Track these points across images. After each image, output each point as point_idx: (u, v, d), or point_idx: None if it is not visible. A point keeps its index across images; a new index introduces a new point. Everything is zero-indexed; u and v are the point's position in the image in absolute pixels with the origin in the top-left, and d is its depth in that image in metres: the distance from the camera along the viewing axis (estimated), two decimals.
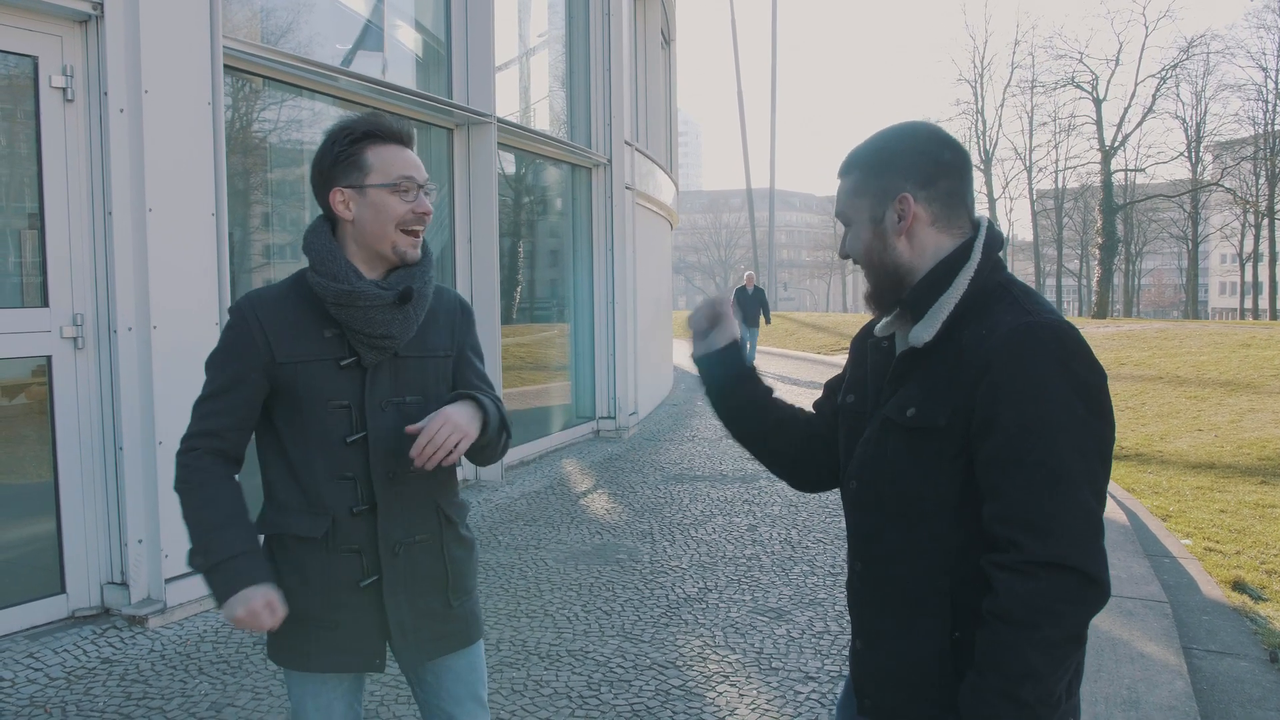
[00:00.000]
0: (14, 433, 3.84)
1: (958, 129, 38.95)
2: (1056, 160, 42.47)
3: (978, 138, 40.49)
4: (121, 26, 3.72)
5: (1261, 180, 36.04)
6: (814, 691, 3.30)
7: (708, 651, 3.65)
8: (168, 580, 3.86)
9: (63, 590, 3.80)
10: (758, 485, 6.66)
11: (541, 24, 8.92)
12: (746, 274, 15.80)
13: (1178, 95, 43.23)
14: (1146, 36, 62.31)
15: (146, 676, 3.37)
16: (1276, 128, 34.77)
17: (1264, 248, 37.74)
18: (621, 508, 6.04)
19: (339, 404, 1.69)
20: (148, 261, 3.78)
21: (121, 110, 3.74)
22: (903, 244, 1.39)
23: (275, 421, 1.72)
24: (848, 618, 1.53)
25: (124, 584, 3.86)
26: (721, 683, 3.37)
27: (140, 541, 3.84)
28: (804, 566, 4.76)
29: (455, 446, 1.63)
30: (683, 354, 18.45)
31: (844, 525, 1.53)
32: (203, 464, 1.68)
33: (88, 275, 3.81)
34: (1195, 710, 3.18)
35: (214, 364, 1.72)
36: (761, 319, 15.16)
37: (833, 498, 5.78)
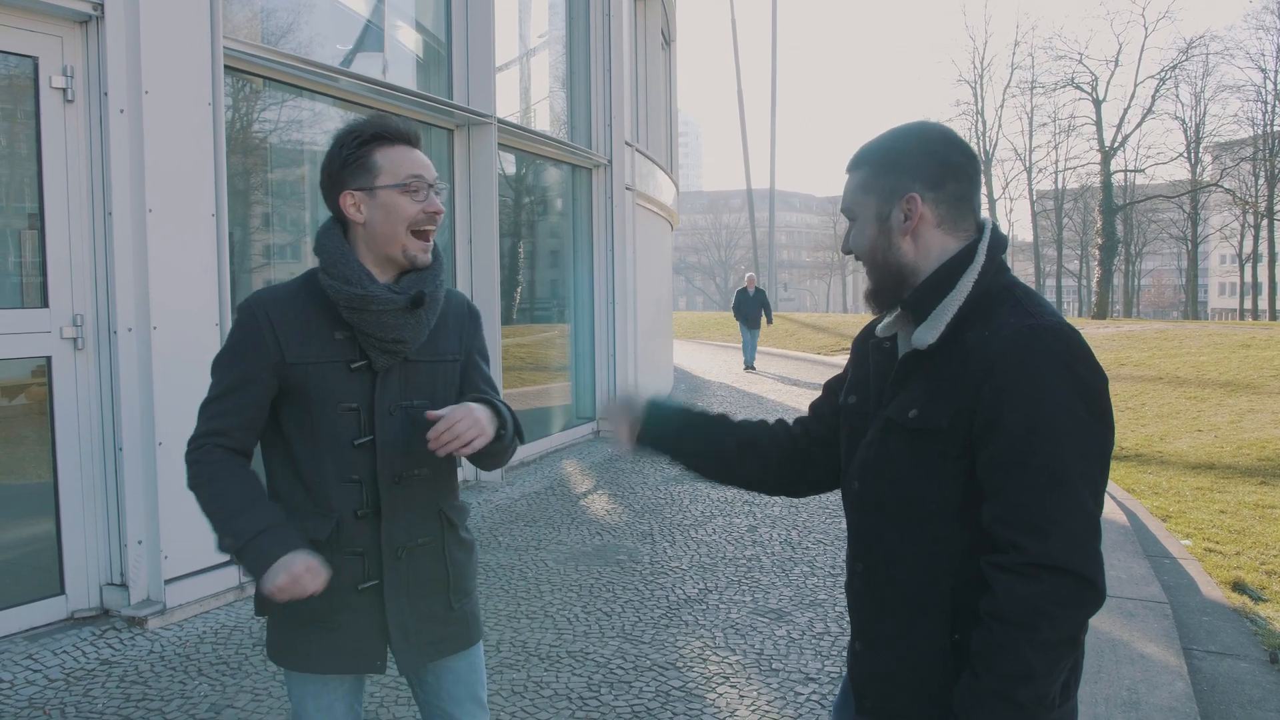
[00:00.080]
0: (14, 433, 3.84)
1: (958, 129, 38.46)
2: (1056, 161, 42.38)
3: (977, 138, 40.50)
4: (122, 27, 3.72)
5: (1261, 181, 36.03)
6: (814, 693, 3.30)
7: (708, 652, 3.65)
8: (167, 581, 3.85)
9: (62, 591, 3.79)
10: None
11: (542, 24, 8.91)
12: (747, 275, 15.89)
13: (1177, 96, 43.42)
14: (1146, 37, 61.98)
15: (146, 678, 3.37)
16: (1276, 129, 34.79)
17: (1263, 248, 37.75)
18: (621, 508, 6.04)
19: (348, 406, 1.68)
20: (148, 262, 3.78)
21: (122, 111, 3.74)
22: (907, 244, 1.39)
23: (282, 422, 1.71)
24: (848, 619, 1.53)
25: (123, 585, 3.86)
26: (722, 684, 3.37)
27: (140, 543, 3.83)
28: (804, 567, 4.76)
29: (471, 442, 1.63)
30: (682, 354, 18.43)
31: (844, 526, 1.53)
32: (214, 457, 1.67)
33: (88, 276, 3.81)
34: (1195, 711, 3.18)
35: (221, 364, 1.70)
36: (763, 319, 15.24)
37: (833, 498, 5.77)
